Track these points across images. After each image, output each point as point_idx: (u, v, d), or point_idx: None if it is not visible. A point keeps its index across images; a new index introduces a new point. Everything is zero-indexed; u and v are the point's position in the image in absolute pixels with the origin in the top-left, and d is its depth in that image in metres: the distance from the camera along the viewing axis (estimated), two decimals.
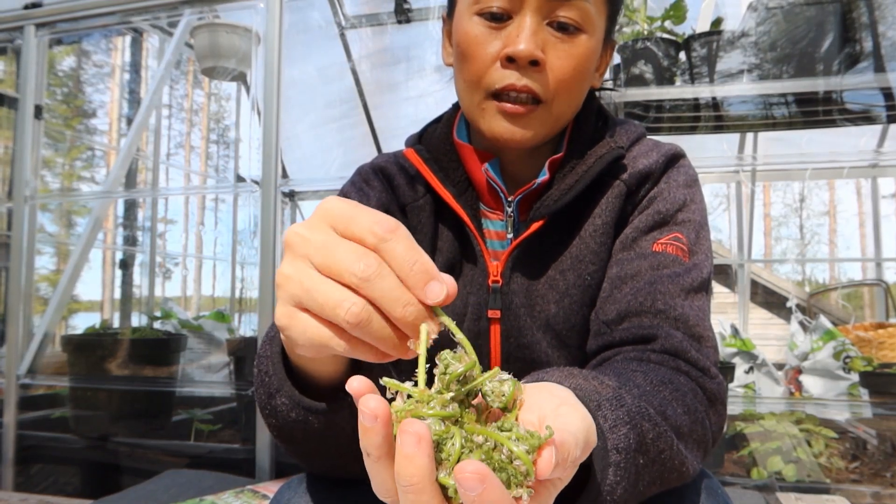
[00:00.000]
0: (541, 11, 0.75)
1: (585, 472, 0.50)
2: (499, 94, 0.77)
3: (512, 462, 0.35)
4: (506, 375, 0.40)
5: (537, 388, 0.43)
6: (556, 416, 0.39)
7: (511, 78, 0.75)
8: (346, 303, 0.40)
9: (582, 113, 0.85)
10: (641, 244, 0.79)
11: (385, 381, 0.38)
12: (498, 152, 0.84)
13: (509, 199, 0.83)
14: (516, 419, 0.40)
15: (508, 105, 0.76)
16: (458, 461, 0.35)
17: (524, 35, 0.74)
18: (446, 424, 0.37)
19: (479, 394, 0.40)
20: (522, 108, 0.76)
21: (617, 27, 0.89)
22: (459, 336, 0.40)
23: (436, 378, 0.39)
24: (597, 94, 0.91)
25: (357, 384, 0.37)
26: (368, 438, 0.36)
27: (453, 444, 0.36)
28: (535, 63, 0.75)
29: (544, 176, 0.80)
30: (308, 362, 0.57)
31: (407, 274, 0.40)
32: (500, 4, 0.75)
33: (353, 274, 0.40)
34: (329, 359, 0.55)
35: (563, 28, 0.75)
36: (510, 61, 0.75)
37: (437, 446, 0.36)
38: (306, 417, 0.58)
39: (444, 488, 0.35)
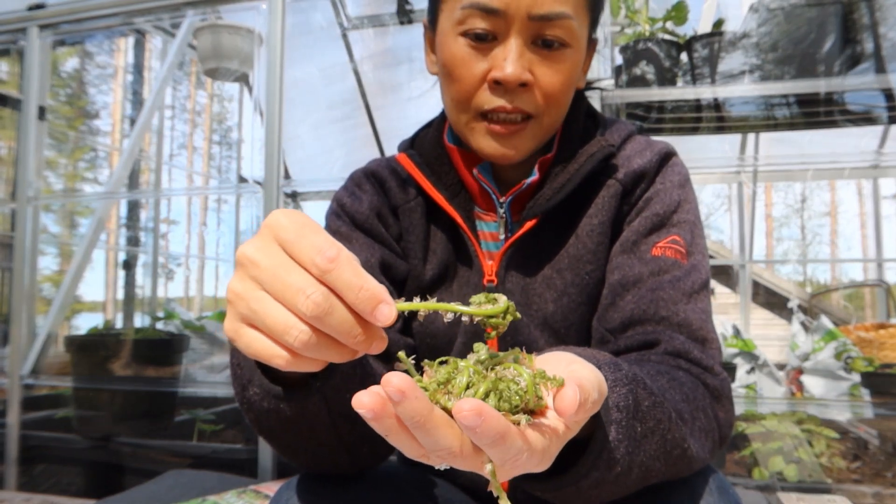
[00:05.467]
0: (526, 32, 0.75)
1: (579, 446, 0.52)
2: (487, 114, 0.77)
3: (518, 384, 0.40)
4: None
5: (546, 357, 0.47)
6: (569, 373, 0.42)
7: (501, 101, 0.76)
8: (294, 330, 0.41)
9: (570, 113, 0.86)
10: (641, 249, 0.80)
11: (426, 363, 0.44)
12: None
13: (501, 200, 0.84)
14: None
15: (497, 126, 0.77)
16: (467, 388, 0.40)
17: (511, 59, 0.74)
18: (454, 363, 0.42)
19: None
20: (513, 126, 0.77)
21: (614, 26, 0.89)
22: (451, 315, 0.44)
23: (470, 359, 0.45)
24: (598, 93, 0.92)
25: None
26: (376, 426, 0.38)
27: (460, 379, 0.41)
28: (523, 85, 0.75)
29: (534, 176, 0.81)
30: None
31: (354, 301, 0.40)
32: (484, 26, 0.75)
33: (303, 312, 0.41)
34: None
35: (549, 45, 0.76)
36: (498, 84, 0.75)
37: (448, 383, 0.41)
38: (277, 406, 0.59)
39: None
